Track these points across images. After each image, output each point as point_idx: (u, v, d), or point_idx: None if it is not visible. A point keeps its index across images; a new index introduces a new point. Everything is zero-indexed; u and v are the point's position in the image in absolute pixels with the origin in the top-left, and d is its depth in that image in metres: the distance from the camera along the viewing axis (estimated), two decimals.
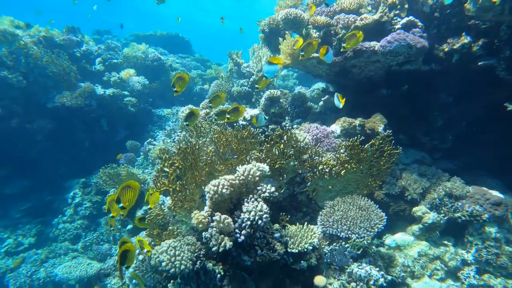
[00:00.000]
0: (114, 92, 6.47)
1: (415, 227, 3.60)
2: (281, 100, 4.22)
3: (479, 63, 3.60)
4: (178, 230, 2.60)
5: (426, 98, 4.38)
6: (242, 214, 2.31)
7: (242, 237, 2.32)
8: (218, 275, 2.73)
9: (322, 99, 4.84)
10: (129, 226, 4.31)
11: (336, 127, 3.79)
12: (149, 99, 7.45)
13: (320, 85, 6.22)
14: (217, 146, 2.76)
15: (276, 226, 2.87)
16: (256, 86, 3.16)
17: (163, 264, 2.37)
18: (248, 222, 2.25)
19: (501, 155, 3.76)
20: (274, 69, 2.78)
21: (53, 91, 6.41)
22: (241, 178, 2.44)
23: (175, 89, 2.67)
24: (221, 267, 2.81)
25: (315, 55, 3.73)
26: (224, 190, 2.29)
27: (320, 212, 2.99)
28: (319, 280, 2.63)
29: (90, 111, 6.38)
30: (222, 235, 2.21)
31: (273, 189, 2.47)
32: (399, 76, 4.08)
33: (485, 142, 3.98)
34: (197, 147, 2.56)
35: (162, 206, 2.72)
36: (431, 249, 3.49)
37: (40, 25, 7.03)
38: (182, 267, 2.35)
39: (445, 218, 3.53)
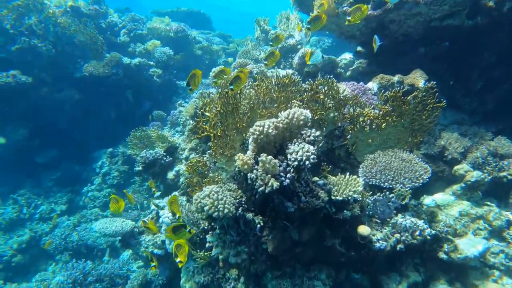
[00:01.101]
0: (140, 61, 6.47)
1: (456, 187, 3.47)
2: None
3: None
4: (219, 177, 2.57)
5: (466, 58, 4.16)
6: (288, 155, 2.24)
7: (288, 181, 2.27)
8: (258, 225, 2.72)
9: (355, 63, 4.69)
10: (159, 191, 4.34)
11: (373, 85, 3.66)
12: (173, 70, 7.43)
13: (347, 55, 6.04)
14: (257, 94, 2.69)
15: (316, 179, 2.80)
16: (265, 63, 3.01)
17: (206, 208, 2.35)
18: (296, 163, 2.19)
19: None
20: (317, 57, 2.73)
21: (81, 60, 6.47)
22: (284, 122, 2.37)
23: (190, 87, 2.49)
24: (260, 217, 2.80)
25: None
26: (270, 130, 2.23)
27: (361, 165, 2.91)
28: (363, 229, 2.57)
29: (117, 80, 6.41)
30: (269, 175, 2.16)
31: (318, 133, 2.40)
32: (440, 32, 3.87)
33: None
34: (239, 91, 2.50)
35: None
36: (473, 209, 3.36)
37: None
38: (226, 210, 2.33)
39: (489, 177, 3.38)
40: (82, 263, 4.31)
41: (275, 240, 2.56)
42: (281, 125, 2.37)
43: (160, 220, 3.18)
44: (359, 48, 4.98)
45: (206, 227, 3.03)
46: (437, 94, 3.08)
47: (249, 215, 2.74)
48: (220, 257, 2.64)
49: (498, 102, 4.22)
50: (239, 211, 2.44)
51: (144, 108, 7.00)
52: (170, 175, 4.09)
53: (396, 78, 3.61)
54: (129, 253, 5.10)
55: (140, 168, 4.18)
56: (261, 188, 2.15)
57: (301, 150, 2.22)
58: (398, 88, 2.89)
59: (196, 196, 2.43)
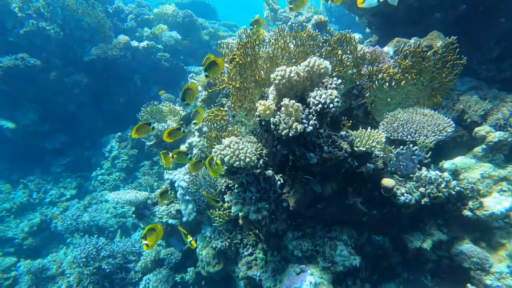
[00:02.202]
0: (148, 44, 6.43)
1: (477, 149, 3.37)
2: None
3: None
4: (238, 130, 2.52)
5: (483, 24, 4.07)
6: (311, 99, 2.18)
7: (310, 127, 2.20)
8: (278, 182, 2.66)
9: (365, 41, 4.62)
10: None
11: (388, 49, 3.58)
12: (180, 56, 7.39)
13: (356, 35, 5.97)
14: (275, 48, 2.63)
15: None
16: (290, 6, 2.86)
17: (226, 158, 2.30)
18: (319, 106, 2.12)
19: None
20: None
21: (89, 44, 6.44)
22: (305, 70, 2.30)
23: (185, 102, 2.37)
24: (280, 175, 2.74)
25: None
26: (292, 74, 2.17)
27: (382, 122, 2.84)
28: (387, 181, 2.50)
29: (125, 63, 6.38)
30: (293, 118, 2.09)
31: (339, 81, 2.33)
32: None
33: None
34: (257, 42, 2.44)
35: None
36: (496, 171, 3.27)
37: None
38: (247, 159, 2.27)
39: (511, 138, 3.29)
40: (95, 239, 4.27)
41: (297, 194, 2.50)
42: (301, 73, 2.31)
43: (176, 184, 3.13)
44: (367, 30, 4.92)
45: (223, 189, 2.98)
46: (458, 50, 3.01)
47: (269, 172, 2.68)
48: (240, 214, 2.58)
49: None
50: (260, 163, 2.38)
51: (152, 92, 6.97)
52: (183, 147, 4.04)
53: (412, 40, 3.53)
54: (140, 233, 5.06)
55: (152, 142, 4.13)
56: (284, 131, 2.09)
57: (324, 94, 2.15)
58: (418, 43, 2.81)
59: (216, 148, 2.37)
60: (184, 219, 3.37)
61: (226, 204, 2.74)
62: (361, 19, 5.03)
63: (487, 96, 3.65)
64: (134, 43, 6.50)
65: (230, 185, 2.84)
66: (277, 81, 2.21)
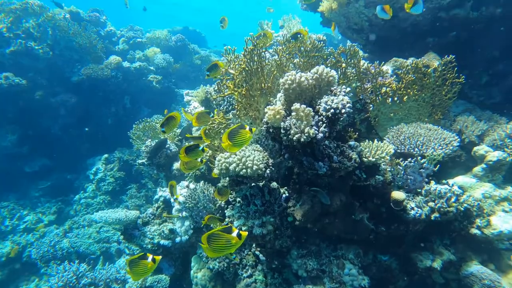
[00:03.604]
0: (140, 65, 6.37)
1: (477, 168, 3.36)
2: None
3: None
4: None
5: (471, 51, 4.22)
6: (322, 104, 2.11)
7: (321, 134, 2.12)
8: (284, 195, 2.53)
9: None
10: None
11: (387, 67, 3.63)
12: (172, 79, 7.35)
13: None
14: (280, 58, 2.59)
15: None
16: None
17: (232, 166, 2.17)
18: (331, 111, 2.05)
19: None
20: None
21: (78, 64, 6.33)
22: (314, 77, 2.26)
23: (163, 129, 2.25)
24: (285, 187, 2.62)
25: None
26: (302, 79, 2.11)
27: (387, 135, 2.80)
28: (397, 194, 2.41)
29: (115, 83, 6.26)
30: (305, 122, 2.01)
31: (348, 89, 2.29)
32: (447, 22, 3.94)
33: None
34: (264, 49, 2.40)
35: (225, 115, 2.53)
36: (496, 191, 3.25)
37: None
38: (255, 167, 2.15)
39: (510, 157, 3.31)
40: (75, 265, 3.93)
41: (305, 206, 2.36)
42: (310, 80, 2.26)
43: (172, 199, 2.94)
44: (362, 54, 5.04)
45: (223, 204, 2.81)
46: (456, 69, 3.08)
47: (274, 184, 2.56)
48: (243, 228, 2.41)
49: (505, 95, 4.24)
50: (267, 172, 2.26)
51: (142, 114, 6.82)
52: (176, 165, 3.87)
53: (409, 61, 3.60)
54: (125, 260, 4.71)
55: (144, 159, 3.95)
56: (296, 136, 1.99)
57: (336, 99, 2.09)
58: (420, 59, 2.85)
59: (220, 156, 2.24)
60: (178, 239, 3.15)
61: (227, 219, 2.56)
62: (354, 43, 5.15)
63: (482, 117, 3.71)
64: (126, 64, 6.44)
65: (231, 199, 2.68)
66: (286, 86, 2.14)
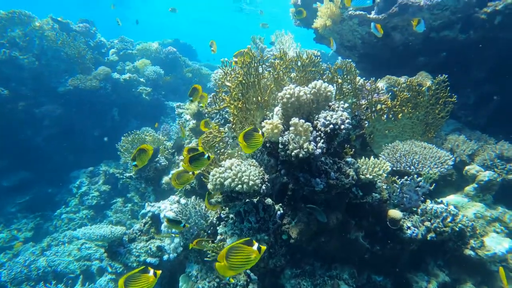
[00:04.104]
0: (130, 76, 6.26)
1: (468, 188, 3.37)
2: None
3: None
4: (239, 153, 2.34)
5: (460, 72, 4.32)
6: (321, 120, 2.08)
7: (319, 150, 2.08)
8: (279, 212, 2.46)
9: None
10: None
11: (381, 84, 3.65)
12: (162, 91, 7.26)
13: None
14: (278, 72, 2.57)
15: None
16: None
17: (227, 182, 2.09)
18: (330, 127, 2.01)
19: None
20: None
21: (66, 75, 6.18)
22: (312, 91, 2.23)
23: (134, 163, 2.16)
24: (280, 204, 2.54)
25: (358, 12, 3.68)
26: (301, 93, 2.08)
27: (383, 152, 2.78)
28: (394, 213, 2.36)
29: (104, 95, 6.12)
30: (304, 137, 1.96)
31: (347, 104, 2.27)
32: (437, 43, 4.03)
33: None
34: (261, 63, 2.37)
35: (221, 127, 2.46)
36: (488, 211, 3.25)
37: None
38: (251, 183, 2.08)
39: (500, 178, 3.33)
40: (51, 286, 3.70)
41: (301, 224, 2.29)
42: (308, 95, 2.23)
43: (162, 215, 2.81)
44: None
45: (214, 220, 2.71)
46: (448, 88, 3.12)
47: (269, 200, 2.48)
48: None
49: (491, 116, 4.33)
50: (263, 188, 2.18)
51: (131, 126, 6.67)
52: (166, 179, 3.76)
53: (403, 79, 3.64)
54: (106, 279, 4.47)
55: (132, 173, 3.82)
56: (295, 151, 1.94)
57: (335, 114, 2.06)
58: (414, 77, 2.88)
59: (214, 171, 2.16)
60: (165, 257, 3.01)
61: (219, 237, 2.46)
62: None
63: (472, 137, 3.76)
64: (116, 75, 6.33)
65: (223, 216, 2.58)
66: (285, 100, 2.10)
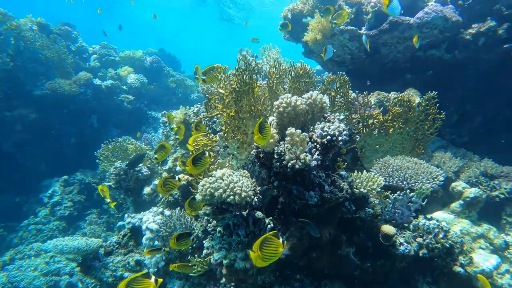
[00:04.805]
0: (112, 83, 6.05)
1: (455, 204, 3.38)
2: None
3: (505, 46, 3.71)
4: (230, 163, 2.24)
5: (444, 90, 4.41)
6: (317, 131, 2.01)
7: (314, 162, 2.00)
8: (269, 226, 2.35)
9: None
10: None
11: (371, 99, 3.67)
12: (144, 100, 7.07)
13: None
14: (270, 82, 2.50)
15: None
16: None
17: (218, 193, 1.97)
18: (328, 137, 1.95)
19: None
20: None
21: (43, 78, 5.90)
22: (307, 102, 2.17)
23: (155, 156, 2.60)
24: (270, 218, 2.44)
25: (349, 28, 3.71)
26: (298, 103, 2.01)
27: (374, 167, 2.74)
28: (387, 228, 2.31)
29: (84, 100, 5.87)
30: (301, 148, 1.88)
31: (342, 116, 2.22)
32: (424, 61, 4.12)
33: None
34: (256, 71, 2.30)
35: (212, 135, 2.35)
36: (473, 227, 3.27)
37: None
38: (243, 194, 1.97)
39: (485, 195, 3.37)
40: None
41: (293, 239, 2.19)
42: (303, 105, 2.17)
43: (144, 226, 2.63)
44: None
45: (200, 234, 2.56)
46: (438, 105, 3.15)
47: (259, 213, 2.37)
48: (225, 262, 2.18)
49: (473, 135, 4.43)
50: (255, 200, 2.08)
51: (111, 135, 6.41)
52: (147, 189, 3.59)
53: (392, 94, 3.67)
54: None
55: (111, 182, 3.63)
56: (291, 162, 1.85)
57: (332, 125, 2.00)
58: (405, 92, 2.88)
59: (204, 181, 2.04)
60: (145, 270, 2.81)
61: (205, 251, 2.32)
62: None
63: (457, 154, 3.81)
64: (97, 81, 6.11)
65: (209, 229, 2.45)
66: (281, 109, 2.03)
